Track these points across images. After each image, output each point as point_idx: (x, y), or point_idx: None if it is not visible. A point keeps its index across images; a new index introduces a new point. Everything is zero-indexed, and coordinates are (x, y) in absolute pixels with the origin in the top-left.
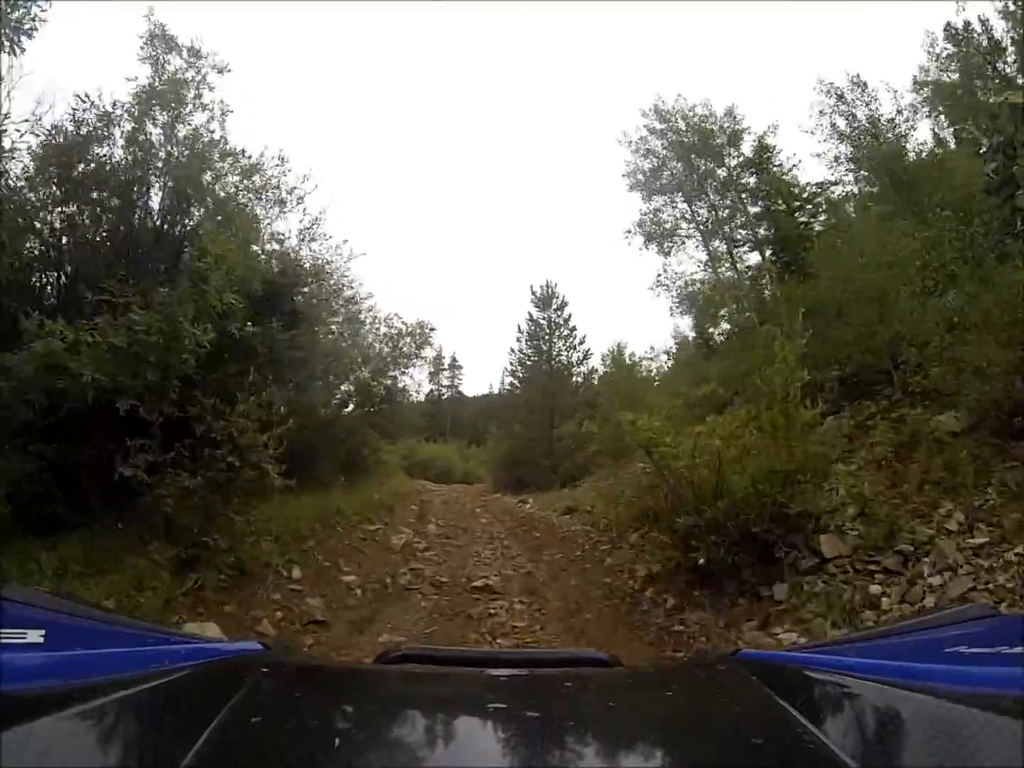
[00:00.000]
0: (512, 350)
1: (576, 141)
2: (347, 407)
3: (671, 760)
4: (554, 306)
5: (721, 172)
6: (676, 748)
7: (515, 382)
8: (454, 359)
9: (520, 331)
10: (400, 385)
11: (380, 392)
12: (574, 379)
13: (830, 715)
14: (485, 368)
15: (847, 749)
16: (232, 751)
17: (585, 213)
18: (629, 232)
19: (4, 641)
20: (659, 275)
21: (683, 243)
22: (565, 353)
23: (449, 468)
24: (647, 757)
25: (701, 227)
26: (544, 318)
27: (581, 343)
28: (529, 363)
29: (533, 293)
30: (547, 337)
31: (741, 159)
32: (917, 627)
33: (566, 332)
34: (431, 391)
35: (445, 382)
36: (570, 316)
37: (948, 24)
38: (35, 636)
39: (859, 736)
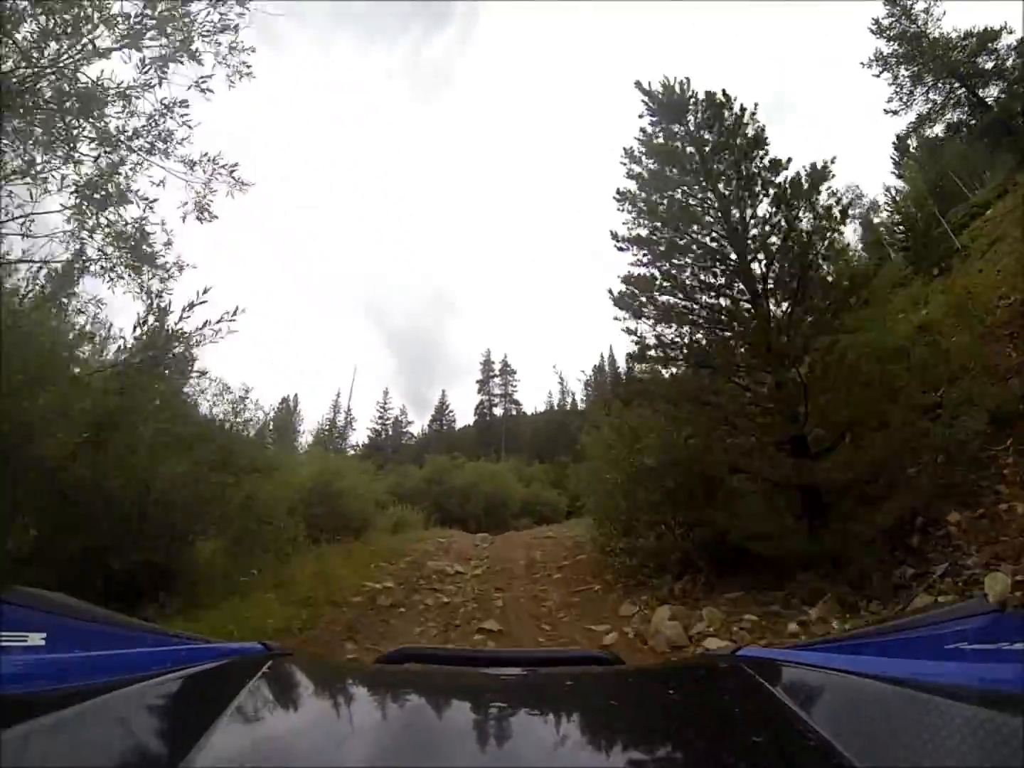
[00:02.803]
0: (620, 194)
1: None
2: None
3: (673, 759)
4: (699, 114)
5: None
6: (678, 746)
7: (635, 251)
8: (505, 363)
9: (631, 157)
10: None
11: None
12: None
13: (831, 713)
14: (538, 389)
15: (848, 746)
16: (233, 752)
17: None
18: None
19: (5, 644)
20: None
21: None
22: (773, 186)
23: (502, 497)
24: (648, 756)
25: None
26: (680, 133)
27: (782, 165)
28: (666, 211)
29: (647, 94)
30: (703, 161)
31: None
32: (918, 624)
33: (744, 146)
34: (480, 402)
35: (497, 391)
36: (751, 114)
37: None
38: (36, 639)
39: (860, 733)
